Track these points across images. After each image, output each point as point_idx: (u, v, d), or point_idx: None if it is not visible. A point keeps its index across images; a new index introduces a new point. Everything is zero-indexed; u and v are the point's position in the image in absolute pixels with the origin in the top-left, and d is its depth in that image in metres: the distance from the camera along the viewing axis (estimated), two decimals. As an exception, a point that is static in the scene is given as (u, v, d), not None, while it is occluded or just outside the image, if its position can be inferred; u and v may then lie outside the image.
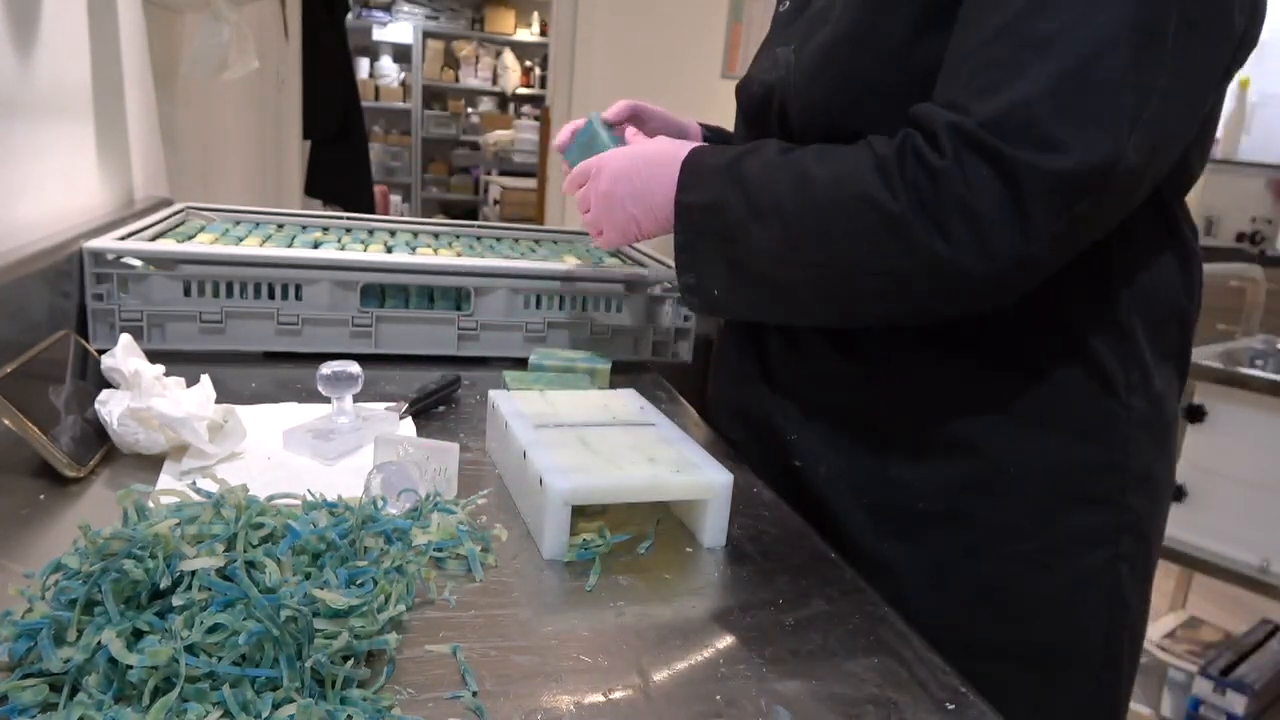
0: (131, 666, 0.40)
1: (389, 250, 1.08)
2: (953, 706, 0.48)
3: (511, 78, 6.09)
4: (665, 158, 0.75)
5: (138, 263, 0.91)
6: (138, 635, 0.42)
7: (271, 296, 0.96)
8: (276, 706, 0.41)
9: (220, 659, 0.41)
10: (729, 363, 0.87)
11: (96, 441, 0.68)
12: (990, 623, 0.69)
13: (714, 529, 0.63)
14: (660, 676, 0.48)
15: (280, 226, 1.22)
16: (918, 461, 0.70)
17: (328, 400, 0.77)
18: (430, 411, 0.85)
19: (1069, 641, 0.69)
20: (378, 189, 4.06)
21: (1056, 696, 0.70)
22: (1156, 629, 2.01)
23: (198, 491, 0.52)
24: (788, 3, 0.81)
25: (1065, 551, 0.67)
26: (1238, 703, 1.79)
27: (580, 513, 0.63)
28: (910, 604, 0.61)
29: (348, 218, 1.32)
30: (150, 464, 0.68)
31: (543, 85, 5.30)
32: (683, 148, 0.75)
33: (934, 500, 0.69)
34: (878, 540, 0.71)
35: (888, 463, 0.71)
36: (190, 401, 0.68)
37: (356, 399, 0.78)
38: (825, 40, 0.69)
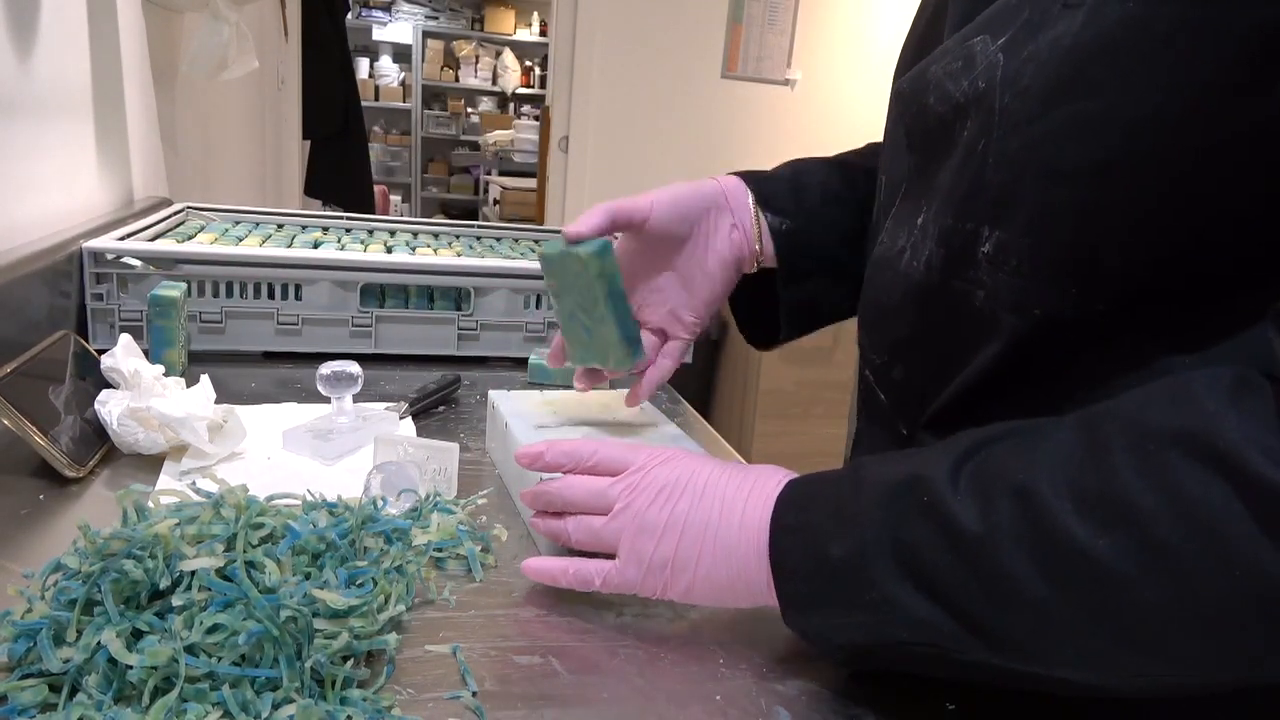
0: (131, 666, 0.40)
1: (389, 250, 1.08)
2: (953, 706, 0.48)
3: (511, 78, 6.08)
4: (737, 471, 0.50)
5: (137, 263, 0.91)
6: (137, 635, 0.42)
7: (271, 296, 0.96)
8: (276, 706, 0.41)
9: (220, 659, 0.41)
10: None
11: (96, 441, 0.68)
12: None
13: (714, 529, 0.63)
14: (660, 676, 0.48)
15: (280, 226, 1.22)
16: None
17: (328, 400, 0.77)
18: (430, 411, 0.85)
19: None
20: (378, 189, 4.06)
21: None
22: None
23: (198, 491, 0.52)
24: None
25: None
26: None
27: (580, 513, 0.62)
28: None
29: (348, 218, 1.32)
30: (150, 464, 0.68)
31: (543, 85, 5.30)
32: (760, 511, 0.48)
33: None
34: None
35: None
36: (190, 401, 0.68)
37: (356, 399, 0.78)
38: (1066, 40, 0.40)
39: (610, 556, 0.51)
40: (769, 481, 0.49)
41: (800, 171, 0.69)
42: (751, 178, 0.68)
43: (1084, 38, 0.39)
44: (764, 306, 0.71)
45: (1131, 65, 0.38)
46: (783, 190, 0.67)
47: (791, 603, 0.46)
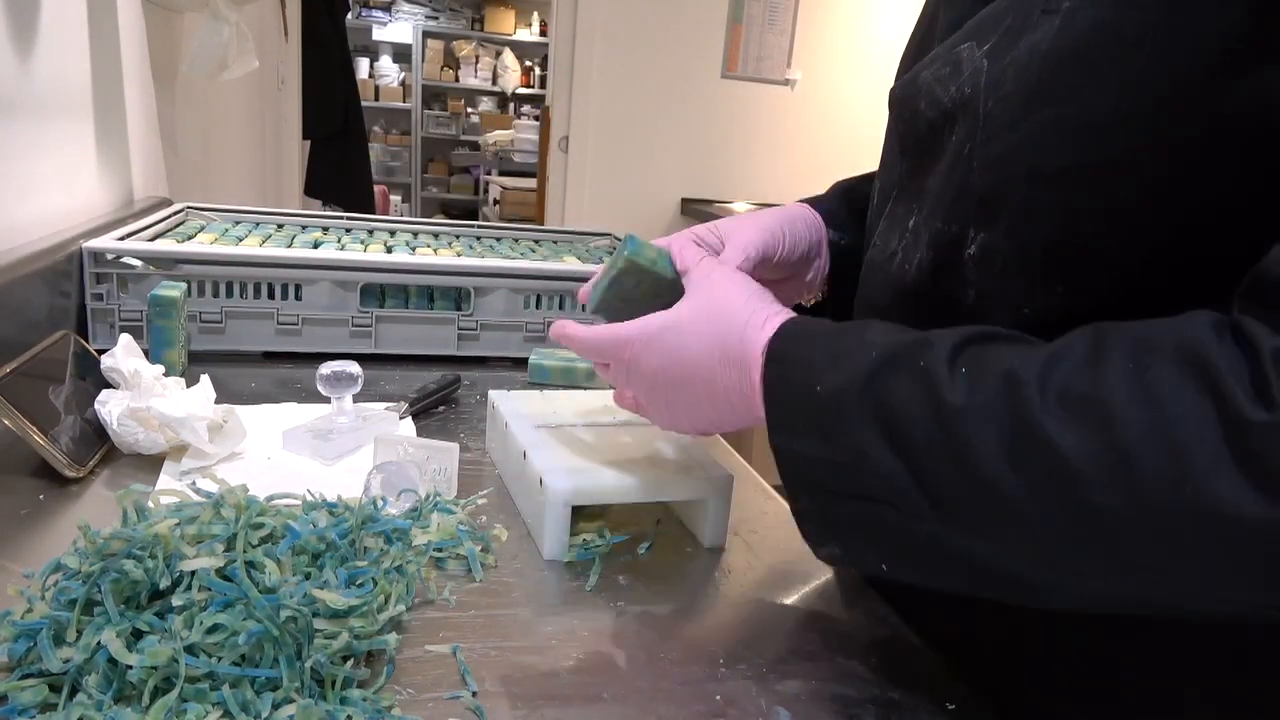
0: (131, 666, 0.40)
1: (389, 250, 1.08)
2: (953, 706, 0.48)
3: (511, 78, 6.08)
4: (721, 351, 0.50)
5: (137, 263, 0.91)
6: (137, 635, 0.42)
7: (271, 296, 0.96)
8: (276, 706, 0.41)
9: (220, 659, 0.41)
10: None
11: (96, 441, 0.68)
12: None
13: (714, 529, 0.63)
14: (660, 676, 0.48)
15: (280, 226, 1.22)
16: None
17: (328, 400, 0.77)
18: (430, 411, 0.85)
19: None
20: (378, 189, 4.06)
21: None
22: None
23: (198, 491, 0.52)
24: None
25: None
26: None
27: (580, 513, 0.63)
28: None
29: (348, 218, 1.32)
30: (150, 464, 0.68)
31: (543, 85, 5.30)
32: (744, 328, 0.50)
33: None
34: None
35: None
36: (190, 401, 0.68)
37: (356, 399, 0.78)
38: (1044, 45, 0.41)
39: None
40: (767, 326, 0.50)
41: (849, 189, 0.70)
42: (814, 203, 0.68)
43: (1059, 43, 0.41)
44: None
45: (1103, 69, 0.39)
46: (837, 208, 0.68)
47: (776, 423, 0.47)
